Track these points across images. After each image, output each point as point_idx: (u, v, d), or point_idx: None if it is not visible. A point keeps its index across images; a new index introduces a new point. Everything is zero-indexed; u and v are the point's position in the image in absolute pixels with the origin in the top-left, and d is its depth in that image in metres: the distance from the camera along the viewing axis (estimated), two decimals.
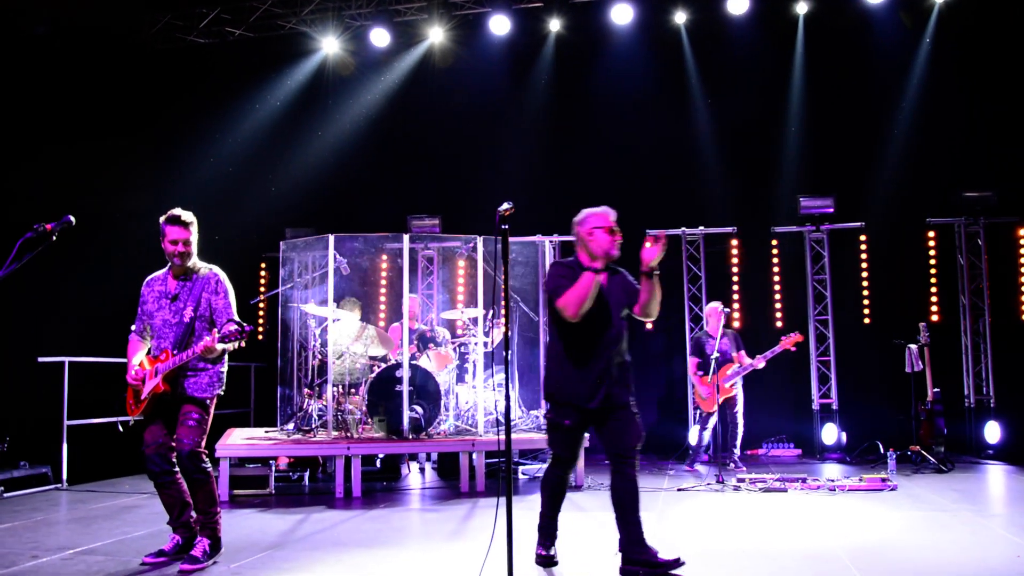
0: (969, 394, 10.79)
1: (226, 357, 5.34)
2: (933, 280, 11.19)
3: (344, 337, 9.11)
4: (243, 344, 5.06)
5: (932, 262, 11.21)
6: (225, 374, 5.37)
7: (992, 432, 10.34)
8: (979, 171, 10.86)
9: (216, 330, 4.97)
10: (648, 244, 4.82)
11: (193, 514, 5.23)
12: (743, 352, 9.38)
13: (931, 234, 11.24)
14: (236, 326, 4.93)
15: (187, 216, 5.18)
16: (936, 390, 9.51)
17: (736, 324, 11.28)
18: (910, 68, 11.22)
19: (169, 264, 5.25)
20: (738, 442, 9.48)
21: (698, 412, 9.82)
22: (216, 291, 5.24)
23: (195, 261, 5.28)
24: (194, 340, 5.08)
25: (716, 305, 9.44)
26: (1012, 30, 10.63)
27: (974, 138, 10.78)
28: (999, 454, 10.19)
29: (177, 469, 5.15)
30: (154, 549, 5.22)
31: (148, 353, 5.27)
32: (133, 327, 5.36)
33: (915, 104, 11.18)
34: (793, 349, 9.61)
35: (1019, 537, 5.84)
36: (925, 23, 11.07)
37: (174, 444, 5.11)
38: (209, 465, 5.17)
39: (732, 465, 9.28)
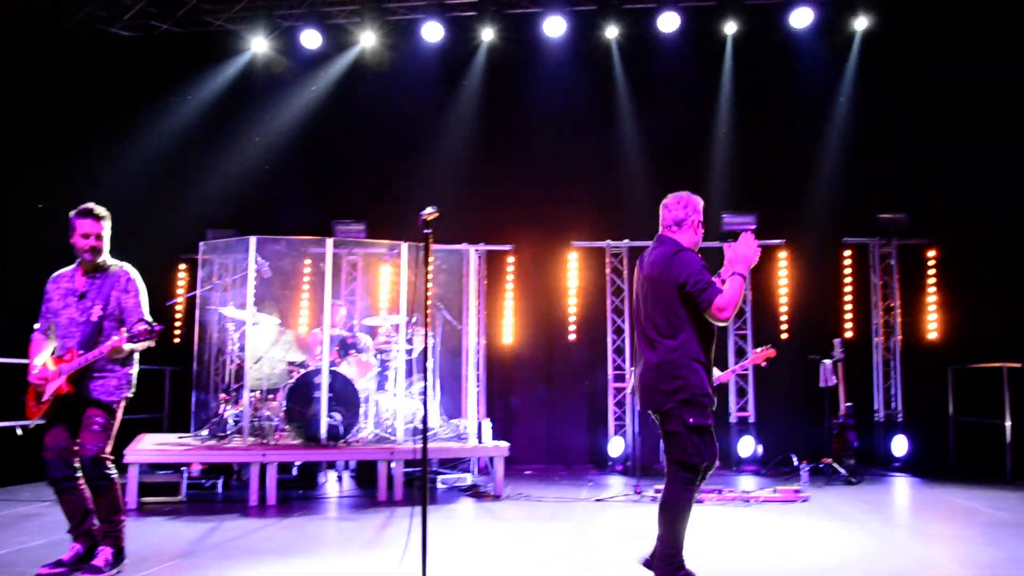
0: (879, 409, 11.11)
1: (136, 359, 5.17)
2: (848, 298, 11.49)
3: (263, 341, 8.93)
4: (153, 344, 4.92)
5: (848, 280, 11.52)
6: (135, 377, 5.20)
7: (899, 445, 10.66)
8: (894, 194, 11.21)
9: (125, 329, 4.81)
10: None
11: (95, 522, 5.03)
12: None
13: (847, 253, 11.54)
14: (146, 326, 4.78)
15: (100, 210, 5.03)
16: (848, 404, 9.77)
17: None
18: (833, 91, 11.51)
19: (78, 260, 5.07)
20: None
21: (625, 423, 9.85)
22: (126, 289, 5.08)
23: (106, 258, 5.11)
24: (102, 340, 4.89)
25: None
26: (927, 58, 11.02)
27: (890, 161, 11.11)
28: (905, 466, 10.51)
29: (80, 475, 4.95)
30: (52, 559, 4.99)
31: (53, 353, 5.05)
32: (37, 325, 5.16)
33: (836, 126, 11.47)
34: (764, 364, 9.45)
35: (922, 545, 6.03)
36: (848, 48, 11.39)
37: (76, 449, 4.92)
38: (114, 471, 5.00)
39: None
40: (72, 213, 5.01)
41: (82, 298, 5.01)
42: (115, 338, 4.77)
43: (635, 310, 4.81)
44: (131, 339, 4.77)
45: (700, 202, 4.80)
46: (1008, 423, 9.67)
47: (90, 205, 5.02)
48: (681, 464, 4.45)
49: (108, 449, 4.95)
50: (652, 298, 4.57)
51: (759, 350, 8.64)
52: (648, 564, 4.66)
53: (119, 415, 5.07)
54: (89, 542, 5.01)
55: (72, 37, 11.67)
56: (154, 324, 4.82)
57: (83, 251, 5.00)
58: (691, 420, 4.40)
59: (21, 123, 10.40)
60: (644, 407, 4.68)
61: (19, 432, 5.14)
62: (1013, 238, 10.56)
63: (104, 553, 4.92)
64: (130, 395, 5.14)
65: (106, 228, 5.06)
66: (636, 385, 4.78)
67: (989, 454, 9.96)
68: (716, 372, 8.49)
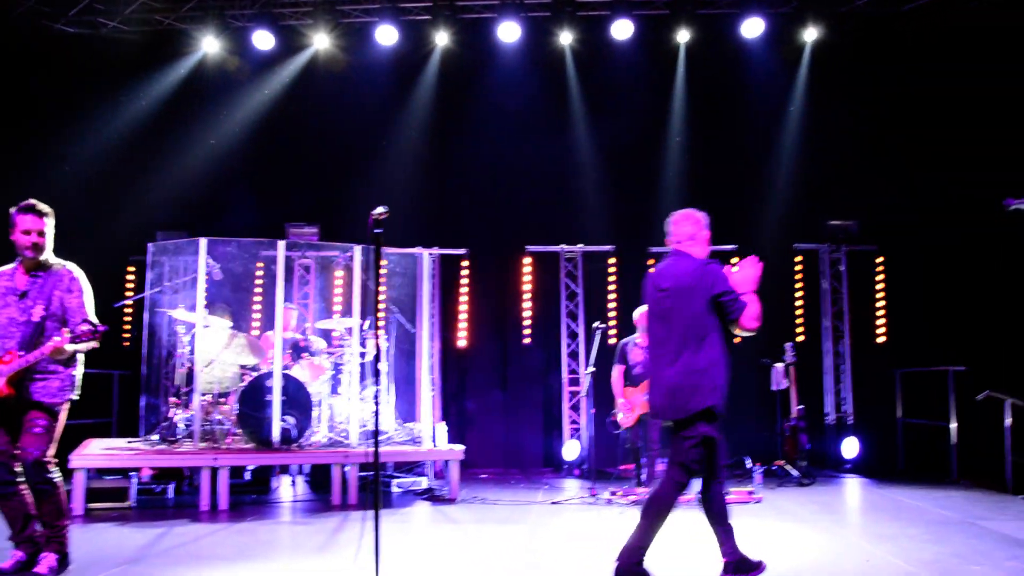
0: (830, 411, 11.30)
1: (80, 360, 5.03)
2: (799, 303, 11.67)
3: (214, 345, 8.78)
4: (96, 345, 4.80)
5: (798, 285, 11.70)
6: (79, 379, 5.04)
7: (850, 447, 10.83)
8: (844, 201, 11.42)
9: (67, 330, 4.69)
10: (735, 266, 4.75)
11: (38, 528, 4.87)
12: None
13: (798, 259, 11.72)
14: (89, 326, 4.67)
15: (43, 206, 4.88)
16: (800, 407, 9.91)
17: (611, 340, 11.45)
18: (784, 100, 11.70)
19: (19, 258, 4.91)
20: (655, 468, 8.61)
21: (580, 427, 9.84)
22: (70, 289, 4.92)
23: (48, 256, 4.96)
24: (43, 341, 4.74)
25: (645, 310, 8.98)
26: (875, 68, 11.27)
27: (840, 169, 11.33)
28: (856, 468, 10.68)
29: (21, 479, 4.80)
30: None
31: None
32: None
33: (788, 134, 11.67)
34: None
35: (871, 544, 6.12)
36: (799, 59, 11.57)
37: (17, 452, 4.77)
38: (57, 475, 4.85)
39: (644, 488, 8.37)
40: (13, 209, 4.85)
41: (23, 297, 4.83)
42: (56, 339, 4.63)
43: (649, 323, 4.97)
44: (74, 339, 4.65)
45: (706, 217, 5.07)
46: (953, 424, 9.89)
47: (32, 201, 4.87)
48: (682, 467, 4.74)
49: (51, 452, 4.80)
50: (677, 309, 4.73)
51: None
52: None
53: (62, 418, 4.91)
54: (31, 549, 4.85)
55: (14, 32, 11.38)
56: (98, 325, 4.71)
57: (24, 248, 4.84)
58: (704, 431, 4.66)
59: None
60: (662, 416, 4.85)
61: None
62: (957, 245, 10.79)
63: (48, 559, 4.79)
64: (74, 397, 4.99)
65: (49, 225, 4.91)
66: (652, 394, 4.96)
67: (935, 455, 10.18)
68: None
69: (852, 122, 11.38)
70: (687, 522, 6.51)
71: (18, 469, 4.80)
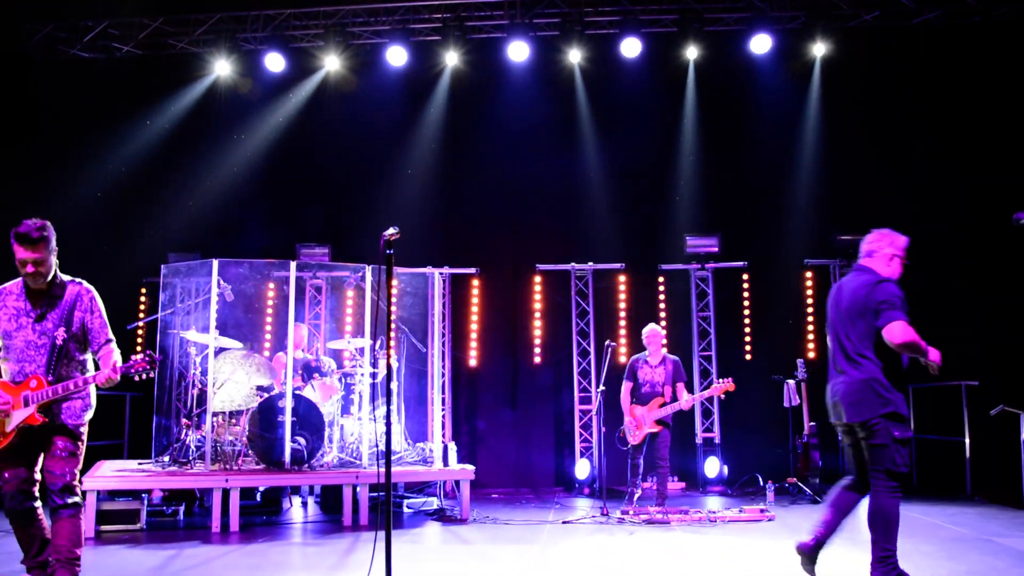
0: None
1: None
2: (810, 318, 11.62)
3: (228, 365, 8.81)
4: (152, 374, 4.74)
5: (810, 301, 11.65)
6: (95, 400, 4.89)
7: None
8: (854, 216, 11.37)
9: (110, 356, 4.63)
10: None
11: (53, 553, 4.69)
12: (682, 384, 8.70)
13: (809, 274, 11.68)
14: (147, 358, 4.63)
15: (36, 233, 4.55)
16: (812, 424, 9.85)
17: (622, 359, 11.44)
18: (793, 115, 11.70)
19: (22, 278, 4.71)
20: (666, 482, 8.75)
21: (591, 445, 9.82)
22: (91, 309, 4.76)
23: (56, 275, 4.73)
24: (67, 363, 4.66)
25: (655, 328, 8.94)
26: (885, 82, 11.29)
27: (850, 184, 11.31)
28: None
29: (39, 504, 4.69)
30: None
31: (3, 378, 4.71)
32: None
33: (798, 149, 11.66)
34: (722, 397, 9.56)
35: None
36: (808, 73, 11.59)
37: (37, 477, 4.67)
38: (80, 499, 4.71)
39: (660, 514, 8.14)
40: (12, 233, 4.59)
41: (40, 320, 4.65)
42: (107, 371, 4.57)
43: (832, 330, 5.16)
44: (127, 371, 4.60)
45: (898, 239, 5.25)
46: (967, 440, 9.80)
47: (25, 228, 4.55)
48: (888, 474, 4.90)
49: (78, 474, 4.69)
50: (855, 319, 4.94)
51: (720, 383, 8.80)
52: (807, 548, 5.03)
53: (84, 437, 4.78)
54: (43, 573, 4.74)
55: (30, 59, 11.55)
56: (155, 355, 4.67)
57: (25, 276, 4.66)
58: (896, 433, 4.81)
59: None
60: (848, 420, 4.97)
61: None
62: (969, 258, 10.74)
63: None
64: (91, 415, 4.85)
65: (48, 250, 4.63)
66: (835, 399, 5.07)
67: (949, 471, 10.08)
68: (685, 394, 8.55)
69: (862, 136, 11.38)
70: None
71: (37, 494, 4.69)
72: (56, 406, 4.64)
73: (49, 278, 4.69)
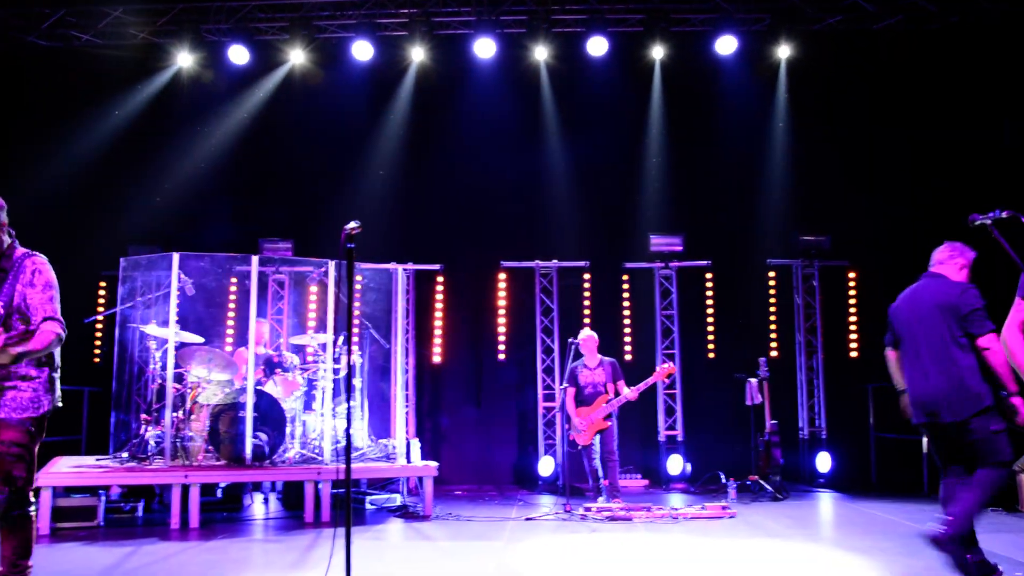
0: (803, 426, 11.35)
1: (56, 361, 4.40)
2: (773, 318, 11.74)
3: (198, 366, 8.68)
4: (35, 348, 4.10)
5: (772, 301, 11.77)
6: (58, 382, 4.42)
7: (823, 462, 10.89)
8: (816, 217, 11.52)
9: (42, 329, 4.12)
10: None
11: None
12: (622, 382, 8.86)
13: (771, 274, 11.80)
14: (20, 330, 4.06)
15: None
16: (773, 422, 9.95)
17: (628, 357, 11.45)
18: (758, 116, 11.80)
19: None
20: (617, 475, 8.87)
21: (555, 442, 9.82)
22: (32, 283, 4.27)
23: (11, 248, 4.35)
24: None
25: (590, 333, 9.14)
26: (848, 85, 11.46)
27: (812, 185, 11.46)
28: (829, 482, 10.75)
29: None
30: None
31: None
32: None
33: (762, 150, 11.77)
34: (666, 380, 9.80)
35: (845, 558, 6.14)
36: (772, 76, 11.69)
37: None
38: (33, 507, 4.28)
39: (623, 511, 8.17)
40: None
41: None
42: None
43: (910, 333, 5.28)
44: (8, 341, 4.05)
45: (969, 253, 5.38)
46: (924, 439, 9.94)
47: None
48: (998, 464, 4.91)
49: (32, 478, 4.24)
50: (944, 320, 5.07)
51: (661, 367, 8.99)
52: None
53: (41, 433, 4.28)
54: None
55: None
56: (32, 324, 4.13)
57: None
58: (993, 427, 4.87)
59: None
60: (945, 420, 4.98)
61: None
62: (926, 260, 10.90)
63: None
64: (57, 405, 4.39)
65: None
66: (925, 400, 5.12)
67: (908, 468, 10.24)
68: (625, 389, 8.68)
69: (826, 138, 11.53)
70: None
71: None
72: None
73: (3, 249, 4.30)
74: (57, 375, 4.41)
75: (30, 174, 11.14)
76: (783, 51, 11.34)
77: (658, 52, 11.41)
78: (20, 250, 4.39)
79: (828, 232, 11.43)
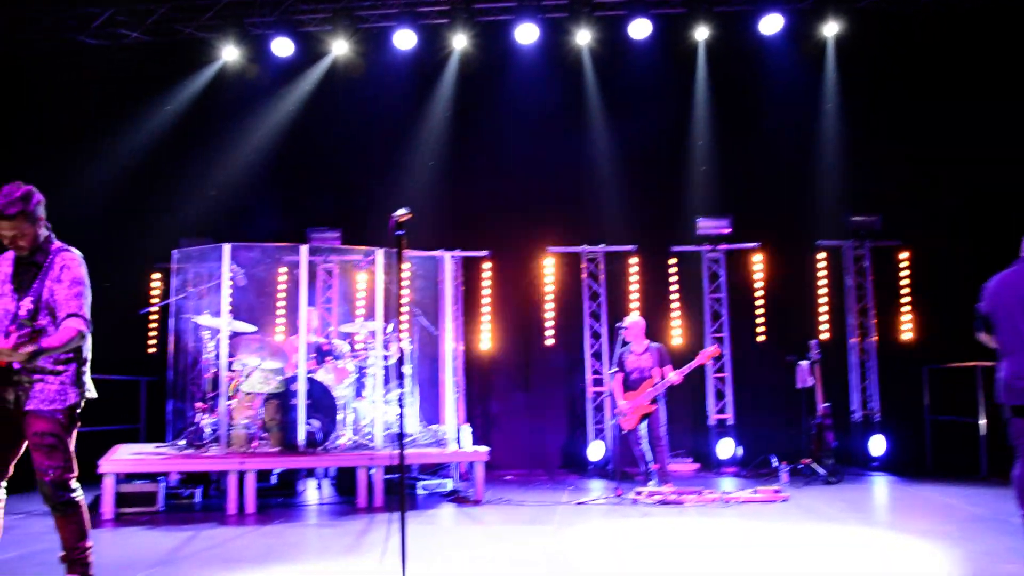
0: (856, 409, 11.18)
1: (84, 355, 4.36)
2: (823, 300, 11.57)
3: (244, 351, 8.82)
4: (34, 348, 3.98)
5: (822, 282, 11.59)
6: (87, 375, 4.39)
7: (877, 445, 10.73)
8: (867, 196, 11.32)
9: (14, 328, 4.07)
10: None
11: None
12: (669, 366, 8.79)
13: (821, 255, 11.62)
14: (27, 328, 3.98)
15: (12, 209, 4.13)
16: (826, 405, 9.83)
17: (676, 339, 11.41)
18: (806, 96, 11.61)
19: None
20: (667, 459, 8.86)
21: (604, 427, 9.83)
22: (60, 278, 4.25)
23: (48, 242, 4.34)
24: (35, 336, 4.14)
25: (636, 319, 9.16)
26: (899, 63, 11.21)
27: (863, 164, 11.25)
28: (883, 466, 10.59)
29: (3, 496, 4.30)
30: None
31: None
32: None
33: (811, 130, 11.58)
34: (712, 362, 9.78)
35: (902, 542, 6.06)
36: (819, 54, 11.50)
37: (11, 470, 4.27)
38: (79, 493, 4.29)
39: (673, 495, 8.14)
40: None
41: (18, 288, 4.25)
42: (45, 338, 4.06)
43: (1008, 315, 5.31)
44: (18, 342, 3.98)
45: None
46: (983, 421, 9.77)
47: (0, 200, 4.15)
48: None
49: (71, 467, 4.24)
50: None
51: (705, 350, 8.92)
52: None
53: (74, 423, 4.29)
54: None
55: (38, 46, 11.55)
56: (36, 324, 4.06)
57: (6, 245, 4.28)
58: None
59: None
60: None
61: None
62: (982, 238, 10.68)
63: None
64: (89, 395, 4.38)
65: (27, 220, 4.19)
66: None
67: (965, 452, 10.05)
68: (671, 375, 8.67)
69: (876, 117, 11.31)
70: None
71: (3, 485, 4.31)
72: (25, 387, 4.19)
73: (34, 247, 4.30)
74: (86, 368, 4.40)
75: (84, 171, 11.37)
76: (830, 29, 11.15)
77: (702, 33, 11.27)
78: (56, 244, 4.40)
79: (879, 212, 11.24)
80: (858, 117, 11.35)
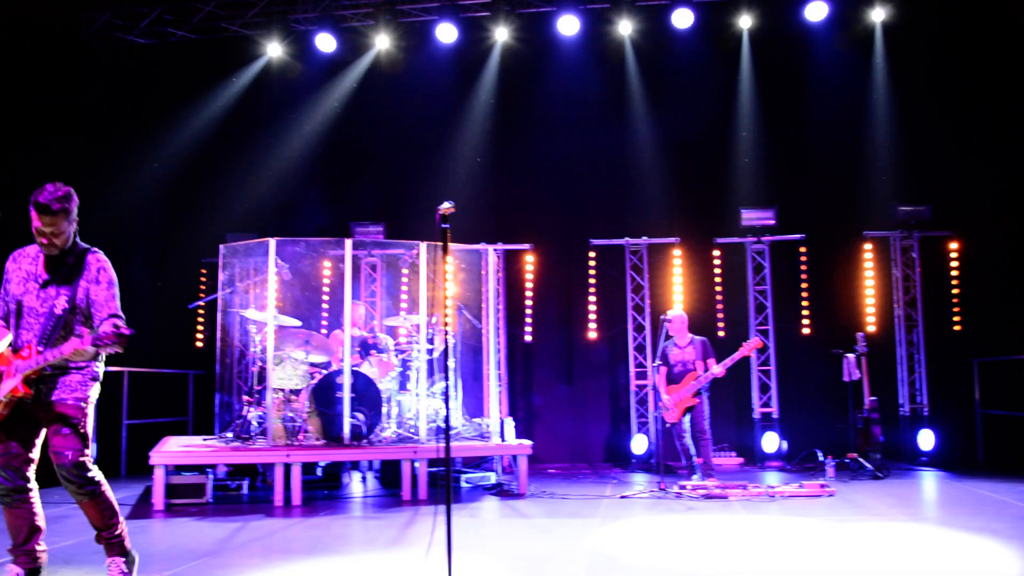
0: (904, 403, 11.01)
1: (102, 356, 4.50)
2: (870, 291, 11.40)
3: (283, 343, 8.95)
4: (120, 350, 4.07)
5: (869, 274, 11.42)
6: (101, 373, 4.54)
7: (926, 439, 10.56)
8: (915, 186, 11.12)
9: (89, 331, 4.16)
10: None
11: (39, 545, 4.47)
12: (712, 360, 8.83)
13: (868, 246, 11.44)
14: (112, 328, 4.03)
15: (57, 205, 4.22)
16: (873, 399, 9.69)
17: (720, 333, 11.34)
18: (852, 84, 11.44)
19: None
20: (711, 453, 8.89)
21: (648, 420, 9.81)
22: (97, 280, 4.38)
23: (75, 243, 4.43)
24: (65, 335, 4.28)
25: (679, 313, 9.18)
26: (948, 50, 10.97)
27: (911, 154, 11.05)
28: (932, 460, 10.41)
29: (32, 487, 4.40)
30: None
31: (10, 344, 4.37)
32: None
33: (857, 118, 11.40)
34: (755, 355, 9.72)
35: (952, 539, 5.96)
36: (867, 41, 11.30)
37: (32, 457, 4.38)
38: (97, 474, 4.39)
39: (718, 489, 8.08)
40: (31, 198, 4.25)
41: (45, 286, 4.35)
42: (75, 340, 4.11)
43: None
44: (95, 342, 4.03)
45: None
46: None
47: (45, 199, 4.21)
48: None
49: (88, 451, 4.35)
50: None
51: (748, 342, 8.83)
52: None
53: (90, 411, 4.43)
54: (31, 564, 4.45)
55: (89, 46, 11.78)
56: (122, 327, 4.04)
57: (39, 244, 4.36)
58: None
59: (41, 132, 10.51)
60: None
61: None
62: None
63: (116, 564, 4.47)
64: (97, 390, 4.50)
65: (67, 218, 4.31)
66: None
67: (1018, 447, 9.85)
68: (715, 367, 8.63)
69: (924, 104, 11.09)
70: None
71: (30, 475, 4.40)
72: (50, 380, 4.32)
73: (66, 247, 4.40)
74: (100, 368, 4.54)
75: (133, 168, 11.59)
76: (877, 15, 10.98)
77: (745, 21, 11.16)
78: (81, 244, 4.50)
79: (928, 202, 11.02)
80: (907, 104, 11.14)
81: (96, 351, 4.16)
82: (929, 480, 9.31)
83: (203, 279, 12.17)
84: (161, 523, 6.99)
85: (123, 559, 4.50)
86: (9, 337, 4.37)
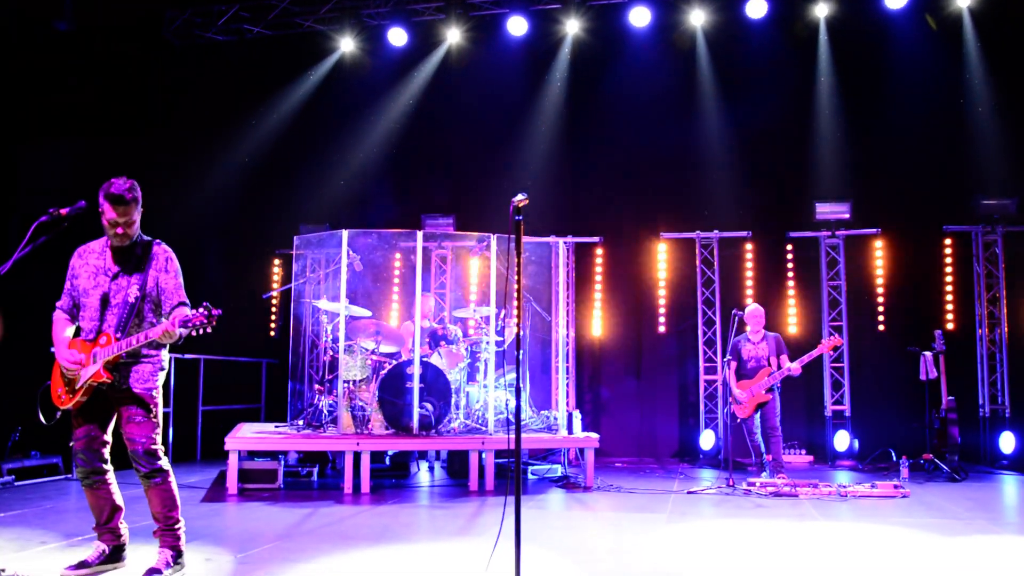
0: (984, 404, 10.67)
1: (167, 347, 4.71)
2: (949, 288, 11.07)
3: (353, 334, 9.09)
4: (210, 330, 4.29)
5: (948, 270, 11.09)
6: (167, 361, 4.78)
7: (1007, 442, 10.21)
8: (999, 179, 10.74)
9: (177, 314, 4.36)
10: None
11: (121, 524, 4.72)
12: (785, 356, 8.69)
13: (948, 241, 11.10)
14: (204, 311, 4.24)
15: (129, 195, 4.46)
16: (950, 398, 9.43)
17: (792, 329, 11.18)
18: (931, 73, 11.10)
19: (107, 238, 4.62)
20: (781, 450, 8.74)
21: (716, 416, 9.70)
22: (166, 269, 4.61)
23: (139, 235, 4.65)
24: (138, 323, 4.53)
25: (756, 307, 9.04)
26: None
27: (995, 145, 10.67)
28: (1013, 464, 10.06)
29: (109, 468, 4.64)
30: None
31: (77, 335, 4.58)
32: (59, 303, 4.66)
33: (936, 108, 11.05)
34: (832, 353, 9.51)
35: None
36: (950, 28, 10.96)
37: (107, 439, 4.62)
38: (165, 463, 4.61)
39: (788, 487, 7.94)
40: (102, 193, 4.47)
41: (116, 277, 4.55)
42: (166, 323, 4.33)
43: None
44: (184, 324, 4.26)
45: None
46: None
47: (117, 190, 4.44)
48: None
49: (159, 439, 4.58)
50: None
51: (826, 340, 8.65)
52: None
53: (159, 400, 4.62)
54: (114, 541, 4.71)
55: (171, 44, 12.12)
56: (212, 308, 4.25)
57: (112, 235, 4.56)
58: None
59: (125, 128, 10.85)
60: None
61: (44, 421, 4.65)
62: None
63: (164, 555, 4.58)
64: (163, 379, 4.70)
65: (137, 210, 4.55)
66: None
67: None
68: (788, 364, 8.48)
69: (1008, 92, 10.68)
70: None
71: (107, 457, 4.64)
72: (124, 368, 4.52)
73: (134, 238, 4.61)
74: (166, 354, 4.76)
75: (210, 162, 11.89)
76: (961, 0, 10.62)
77: (822, 10, 10.94)
78: (145, 236, 4.71)
79: (1014, 195, 10.64)
80: (993, 94, 10.75)
81: (188, 333, 4.35)
82: (1010, 484, 9.02)
83: (276, 269, 12.43)
84: (235, 507, 7.18)
85: (172, 553, 4.61)
86: (73, 328, 4.61)
